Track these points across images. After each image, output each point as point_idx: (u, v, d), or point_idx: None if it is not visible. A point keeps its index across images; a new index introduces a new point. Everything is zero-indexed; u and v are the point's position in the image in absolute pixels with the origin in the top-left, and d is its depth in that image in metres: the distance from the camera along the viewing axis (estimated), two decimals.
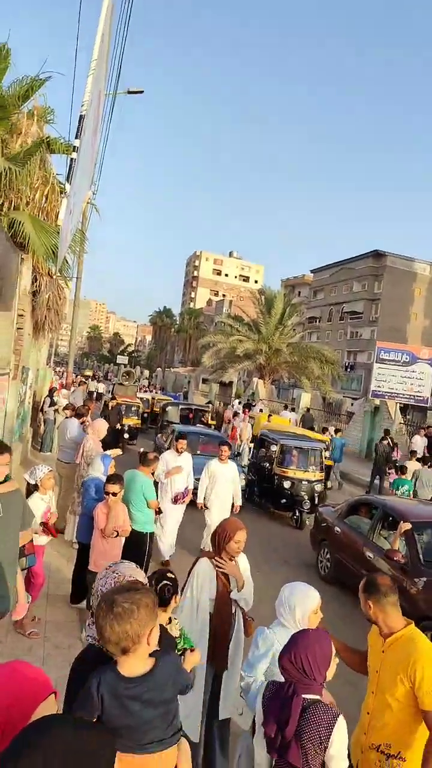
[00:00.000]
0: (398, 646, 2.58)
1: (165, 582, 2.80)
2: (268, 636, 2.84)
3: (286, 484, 10.81)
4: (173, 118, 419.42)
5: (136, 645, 1.77)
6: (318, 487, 11.03)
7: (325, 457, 12.38)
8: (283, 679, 2.29)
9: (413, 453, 13.88)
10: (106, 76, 6.92)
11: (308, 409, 24.20)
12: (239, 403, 24.53)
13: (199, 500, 8.13)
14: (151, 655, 1.87)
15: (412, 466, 11.83)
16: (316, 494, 10.87)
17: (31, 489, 5.22)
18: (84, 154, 4.90)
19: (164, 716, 1.87)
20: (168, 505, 7.55)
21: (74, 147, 4.03)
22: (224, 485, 8.02)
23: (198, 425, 17.06)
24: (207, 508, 8.09)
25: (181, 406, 19.57)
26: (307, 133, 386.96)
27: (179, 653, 2.82)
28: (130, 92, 19.18)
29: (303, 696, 2.15)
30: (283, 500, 10.88)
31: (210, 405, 25.01)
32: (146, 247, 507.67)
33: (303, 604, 2.73)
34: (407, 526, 6.18)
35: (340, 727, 2.10)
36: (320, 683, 2.22)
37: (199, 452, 11.78)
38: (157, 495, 6.82)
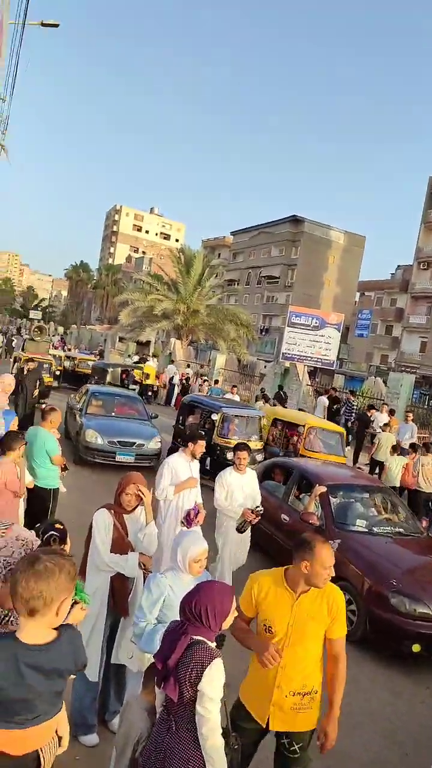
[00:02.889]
0: (314, 593, 2.72)
1: (52, 532, 2.82)
2: (160, 581, 2.98)
3: (230, 455, 9.87)
4: (96, 59, 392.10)
5: (45, 609, 1.72)
6: (259, 457, 10.75)
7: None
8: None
9: None
10: (8, 4, 6.34)
11: (188, 364, 26.47)
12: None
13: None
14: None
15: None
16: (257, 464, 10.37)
17: None
18: None
19: (56, 693, 1.83)
20: (172, 528, 5.42)
21: None
22: (244, 502, 5.81)
23: (133, 386, 17.09)
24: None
25: (120, 368, 19.53)
26: (238, 94, 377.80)
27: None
28: (43, 24, 17.67)
29: (191, 636, 2.29)
30: None
31: (143, 361, 25.25)
32: (64, 198, 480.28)
33: (184, 550, 2.92)
34: (322, 489, 6.24)
35: (214, 668, 2.21)
36: (214, 631, 2.36)
37: (113, 414, 11.66)
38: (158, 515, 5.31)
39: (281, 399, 19.11)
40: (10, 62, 13.92)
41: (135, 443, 10.50)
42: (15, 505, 5.30)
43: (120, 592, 3.58)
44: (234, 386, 18.77)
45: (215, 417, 10.67)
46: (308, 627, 2.68)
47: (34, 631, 1.77)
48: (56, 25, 18.07)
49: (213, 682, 2.21)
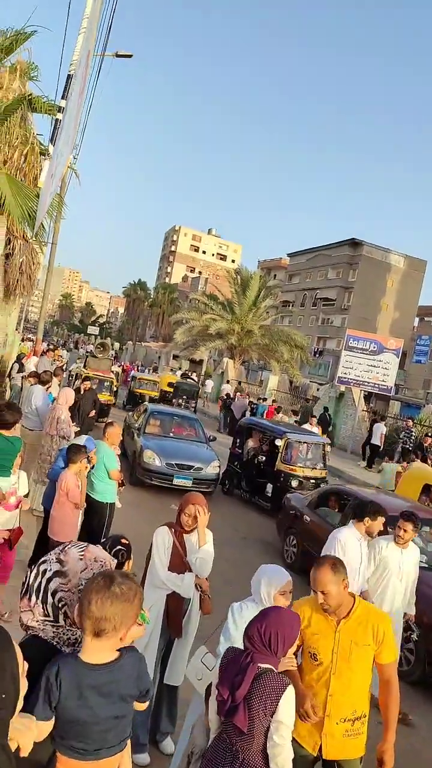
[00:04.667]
0: (357, 619, 2.70)
1: (119, 547, 2.85)
2: (243, 611, 2.90)
3: (294, 483, 9.75)
4: (159, 87, 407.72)
5: (113, 633, 1.71)
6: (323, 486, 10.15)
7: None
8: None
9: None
10: (96, 36, 6.67)
11: (227, 381, 26.55)
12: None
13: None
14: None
15: None
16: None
17: None
18: (69, 116, 4.78)
19: (119, 719, 1.82)
20: None
21: (60, 108, 3.94)
22: (399, 584, 4.73)
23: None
24: None
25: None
26: (296, 118, 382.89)
27: None
28: (118, 55, 18.42)
29: (258, 665, 2.25)
30: None
31: (185, 377, 25.64)
32: (125, 217, 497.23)
33: (269, 584, 2.84)
34: (381, 519, 6.07)
35: (288, 696, 2.19)
36: (279, 659, 2.33)
37: (171, 434, 11.44)
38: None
39: (326, 422, 18.70)
40: (89, 92, 14.58)
41: (193, 467, 10.23)
42: (75, 516, 5.44)
43: (174, 611, 3.56)
44: (313, 416, 17.18)
45: (279, 443, 10.21)
46: (353, 653, 2.66)
47: (97, 652, 1.76)
48: (130, 56, 18.86)
49: (289, 710, 2.20)
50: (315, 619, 2.75)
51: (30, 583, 1.85)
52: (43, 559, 1.93)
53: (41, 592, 1.82)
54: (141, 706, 1.98)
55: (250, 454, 11.03)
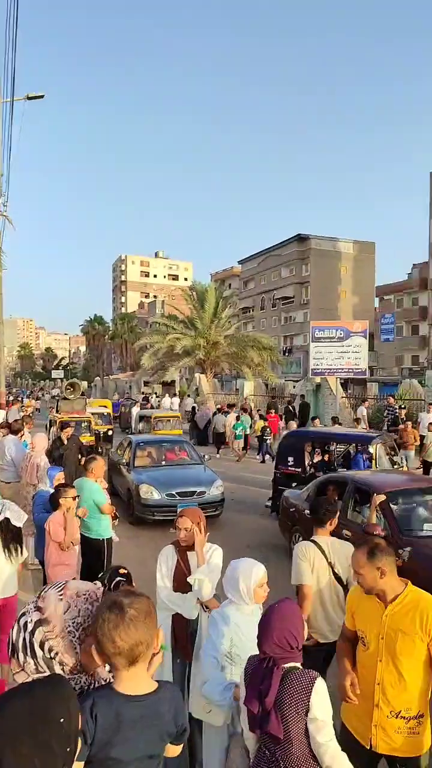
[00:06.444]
0: (406, 606, 2.53)
1: (118, 578, 2.66)
2: (226, 614, 2.73)
3: None
4: (79, 121, 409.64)
5: (147, 651, 1.62)
6: None
7: None
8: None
9: (357, 420, 15.51)
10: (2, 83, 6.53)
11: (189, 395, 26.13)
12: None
13: None
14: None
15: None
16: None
17: None
18: None
19: (153, 759, 1.69)
20: None
21: None
22: None
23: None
24: None
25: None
26: (221, 124, 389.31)
27: None
28: (29, 98, 18.53)
29: (281, 665, 2.12)
30: None
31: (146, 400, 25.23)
32: (69, 257, 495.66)
33: (247, 577, 2.71)
34: (381, 497, 5.93)
35: (319, 689, 2.06)
36: (299, 651, 2.19)
37: (164, 463, 10.86)
38: None
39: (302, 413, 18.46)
40: (4, 139, 14.51)
41: (195, 492, 9.56)
42: (68, 557, 5.14)
43: (180, 633, 3.37)
44: (315, 417, 16.90)
45: (372, 449, 8.98)
46: (399, 641, 2.49)
47: (135, 681, 1.64)
48: (41, 96, 18.92)
49: (323, 704, 2.05)
50: (365, 601, 2.67)
51: (14, 641, 1.66)
52: (22, 611, 1.73)
53: (27, 647, 1.63)
54: (175, 750, 1.79)
55: (313, 469, 9.92)
